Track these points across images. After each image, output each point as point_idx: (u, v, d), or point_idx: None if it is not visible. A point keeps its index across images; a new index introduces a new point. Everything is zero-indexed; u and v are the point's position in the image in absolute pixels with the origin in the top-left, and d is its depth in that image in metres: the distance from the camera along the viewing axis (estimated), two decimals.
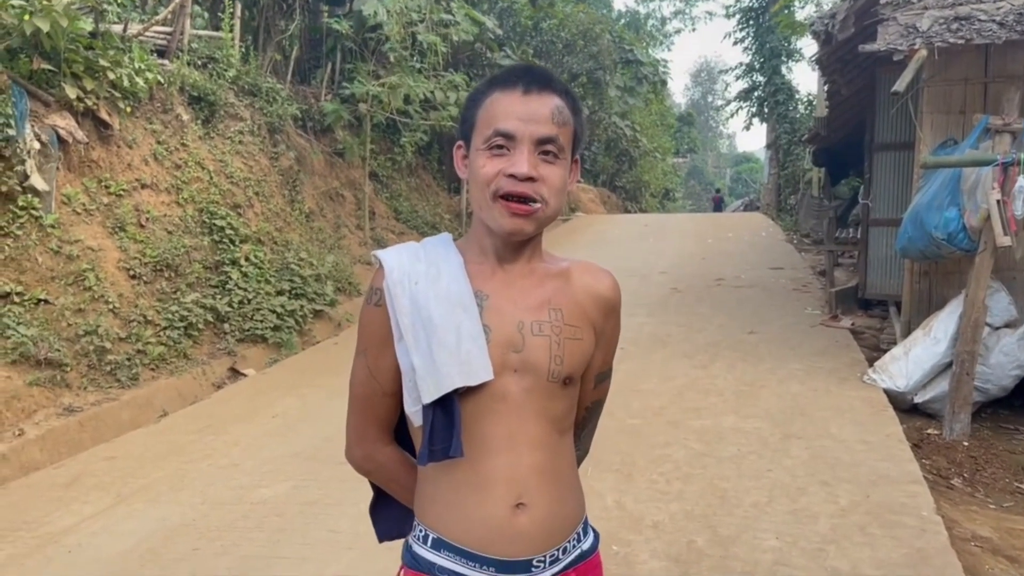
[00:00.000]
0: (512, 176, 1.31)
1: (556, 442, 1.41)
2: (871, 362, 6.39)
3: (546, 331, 1.38)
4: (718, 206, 32.32)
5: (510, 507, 1.34)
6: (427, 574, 1.37)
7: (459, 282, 1.38)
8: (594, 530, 1.52)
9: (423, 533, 1.40)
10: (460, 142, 1.44)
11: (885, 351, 6.46)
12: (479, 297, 1.37)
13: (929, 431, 5.47)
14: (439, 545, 1.37)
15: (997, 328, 5.75)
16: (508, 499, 1.34)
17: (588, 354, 1.44)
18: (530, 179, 1.31)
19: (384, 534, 1.59)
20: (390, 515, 1.55)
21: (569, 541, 1.42)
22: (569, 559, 1.41)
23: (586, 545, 1.46)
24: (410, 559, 1.41)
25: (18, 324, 5.42)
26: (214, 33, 9.55)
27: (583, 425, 1.57)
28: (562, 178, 1.36)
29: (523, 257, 1.42)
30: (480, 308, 1.36)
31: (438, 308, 1.35)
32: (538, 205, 1.33)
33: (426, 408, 1.34)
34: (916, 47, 5.76)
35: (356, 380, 1.45)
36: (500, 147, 1.33)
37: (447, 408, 1.33)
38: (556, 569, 1.39)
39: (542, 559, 1.37)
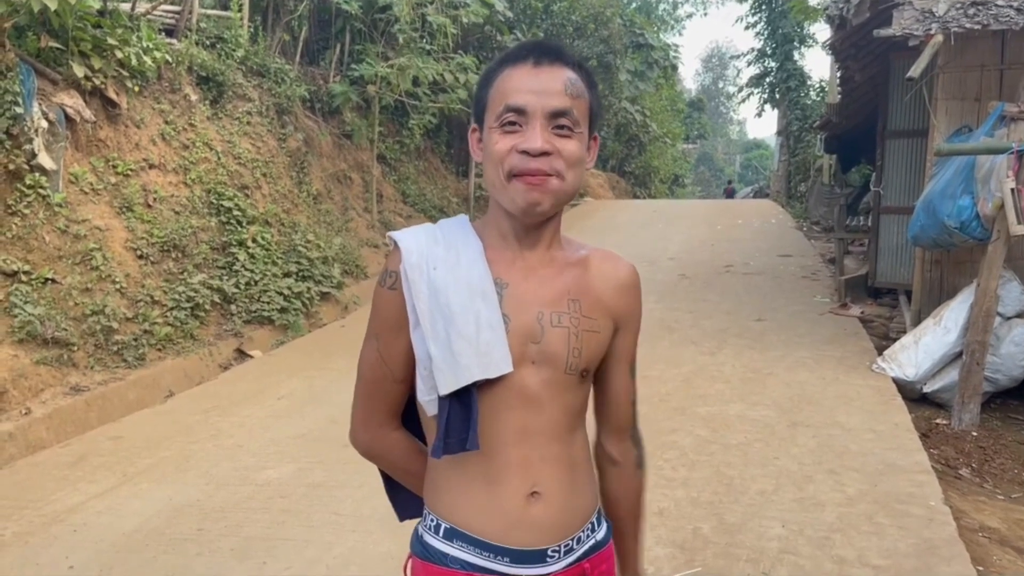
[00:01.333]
0: (525, 152, 1.26)
1: (571, 433, 1.39)
2: (880, 351, 6.35)
3: (565, 322, 1.34)
4: (730, 198, 32.21)
5: (524, 496, 1.32)
6: (439, 564, 1.34)
7: (479, 268, 1.34)
8: (607, 520, 1.50)
9: (435, 523, 1.37)
10: (475, 125, 1.39)
11: (894, 340, 6.42)
12: (499, 285, 1.33)
13: (938, 421, 5.43)
14: (452, 535, 1.34)
15: (1008, 318, 5.70)
16: (522, 489, 1.32)
17: (604, 346, 1.41)
18: (544, 154, 1.26)
19: (405, 514, 1.56)
20: (409, 494, 1.52)
21: (583, 531, 1.39)
22: (583, 549, 1.39)
23: (600, 535, 1.44)
24: (420, 549, 1.38)
25: (25, 303, 5.42)
26: (223, 13, 9.49)
27: (633, 423, 1.56)
28: (579, 152, 1.31)
29: (542, 243, 1.38)
30: (500, 297, 1.32)
31: (457, 295, 1.31)
32: (554, 181, 1.28)
33: (442, 399, 1.30)
34: (932, 32, 5.69)
35: (365, 364, 1.41)
36: (512, 123, 1.28)
37: (464, 400, 1.29)
38: (570, 559, 1.36)
39: (556, 549, 1.35)
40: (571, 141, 1.29)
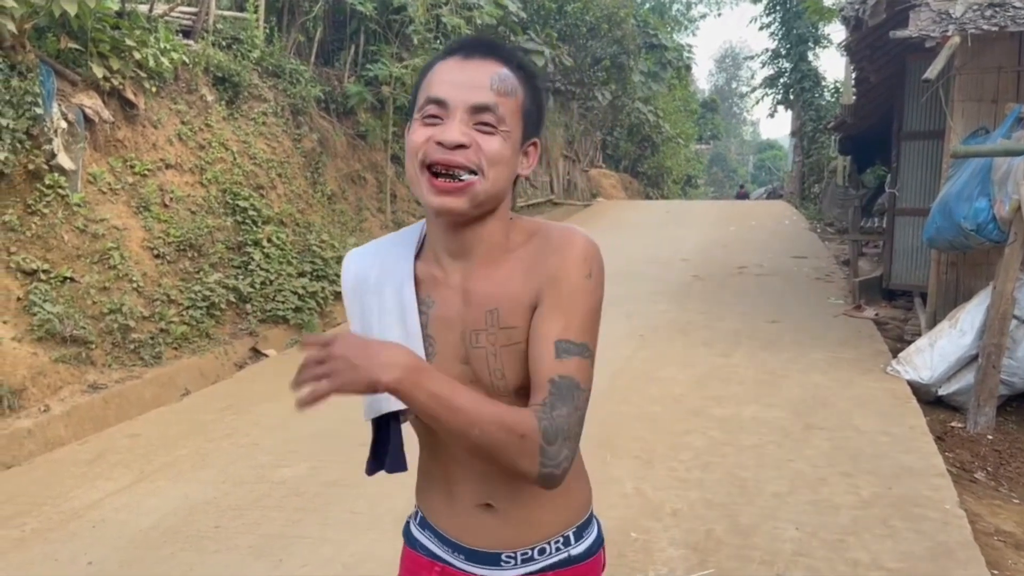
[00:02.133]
0: (440, 144, 1.18)
1: None
2: (895, 353, 6.33)
3: (482, 342, 1.24)
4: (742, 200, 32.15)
5: (476, 506, 1.33)
6: (412, 549, 1.44)
7: (402, 292, 1.28)
8: (598, 536, 1.42)
9: (416, 511, 1.47)
10: (410, 121, 1.30)
11: (909, 342, 6.40)
12: (425, 304, 1.28)
13: (953, 424, 5.41)
14: (424, 525, 1.43)
15: None
16: (474, 500, 1.33)
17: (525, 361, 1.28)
18: (461, 146, 1.17)
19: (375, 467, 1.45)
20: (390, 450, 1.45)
21: (549, 543, 1.34)
22: (548, 561, 1.34)
23: (577, 550, 1.36)
24: (406, 534, 1.48)
25: (44, 301, 5.48)
26: (239, 14, 9.55)
27: (548, 404, 1.17)
28: (502, 150, 1.20)
29: (475, 251, 1.27)
30: (426, 317, 1.28)
31: (379, 323, 1.29)
32: (472, 177, 1.18)
33: (372, 422, 1.33)
34: (949, 34, 5.66)
35: None
36: (433, 116, 1.20)
37: (388, 427, 1.31)
38: (531, 568, 1.33)
39: (512, 555, 1.33)
40: (493, 138, 1.20)
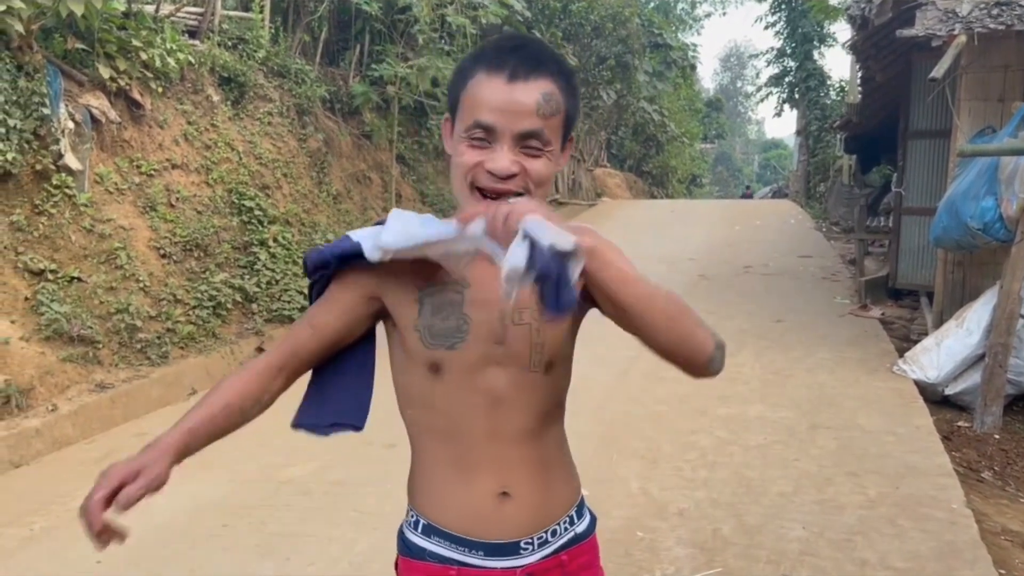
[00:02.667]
0: (491, 173, 1.23)
1: (543, 432, 1.38)
2: (901, 353, 6.32)
3: (526, 318, 1.30)
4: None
5: (494, 496, 1.33)
6: (418, 559, 1.38)
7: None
8: (591, 513, 1.49)
9: (414, 519, 1.40)
10: (448, 115, 1.35)
11: (915, 342, 6.39)
12: (460, 286, 1.31)
13: (960, 423, 5.40)
14: (429, 531, 1.37)
15: None
16: (493, 489, 1.33)
17: (568, 330, 1.36)
18: (510, 175, 1.23)
19: (302, 419, 1.49)
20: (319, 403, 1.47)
21: (560, 524, 1.40)
22: (560, 542, 1.39)
23: (580, 528, 1.43)
24: (403, 546, 1.41)
25: (52, 301, 5.50)
26: (244, 14, 9.57)
27: None
28: (547, 171, 1.26)
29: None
30: (460, 296, 1.30)
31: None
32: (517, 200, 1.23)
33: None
34: (955, 33, 5.66)
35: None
36: (480, 139, 1.24)
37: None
38: (546, 551, 1.37)
39: (530, 541, 1.36)
40: (539, 160, 1.25)
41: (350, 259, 1.31)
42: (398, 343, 1.37)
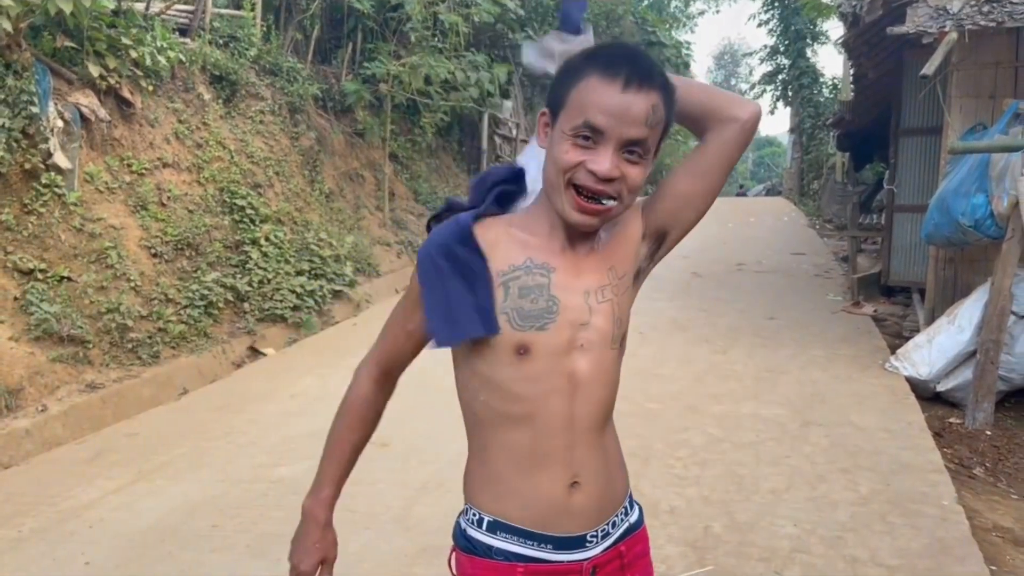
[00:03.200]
0: (592, 173, 1.28)
1: (607, 420, 1.43)
2: (893, 349, 6.32)
3: (608, 295, 1.38)
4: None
5: (566, 487, 1.36)
6: (483, 556, 1.38)
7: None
8: (638, 504, 1.55)
9: (477, 516, 1.41)
10: (545, 110, 1.38)
11: (907, 338, 6.40)
12: (545, 269, 1.35)
13: (951, 420, 5.41)
14: (495, 527, 1.38)
15: (1022, 317, 5.66)
16: (565, 479, 1.36)
17: (633, 294, 1.45)
18: (611, 179, 1.29)
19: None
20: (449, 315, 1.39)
21: (618, 515, 1.45)
22: (619, 533, 1.45)
23: (633, 518, 1.50)
24: (464, 543, 1.42)
25: (41, 301, 5.47)
26: (236, 12, 9.53)
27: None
28: (642, 176, 1.32)
29: (590, 239, 1.40)
30: (546, 280, 1.34)
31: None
32: (612, 203, 1.31)
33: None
34: (946, 29, 5.66)
35: (395, 309, 1.50)
36: (586, 138, 1.28)
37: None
38: (608, 543, 1.42)
39: (595, 534, 1.40)
40: (638, 168, 1.31)
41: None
42: None
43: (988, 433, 5.13)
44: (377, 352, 1.51)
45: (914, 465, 4.28)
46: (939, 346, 5.73)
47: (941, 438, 5.01)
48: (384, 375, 1.51)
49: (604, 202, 1.30)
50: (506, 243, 1.37)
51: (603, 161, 1.27)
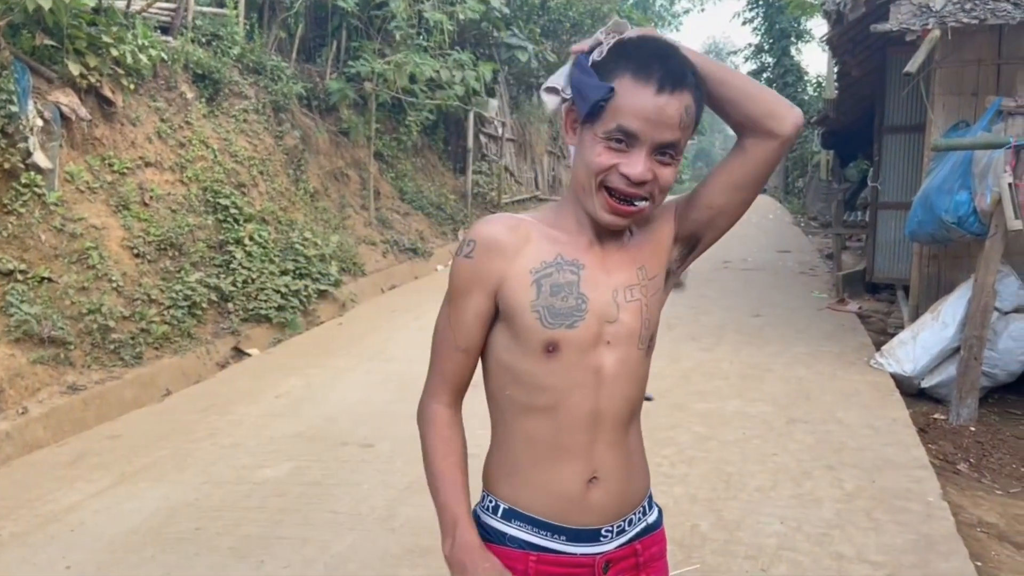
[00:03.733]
0: (626, 176, 1.29)
1: (632, 418, 1.44)
2: (878, 346, 6.35)
3: (637, 295, 1.39)
4: None
5: (584, 481, 1.37)
6: (497, 544, 1.40)
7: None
8: (658, 506, 1.56)
9: (492, 504, 1.43)
10: (572, 106, 1.36)
11: (892, 335, 6.42)
12: (575, 266, 1.36)
13: (936, 416, 5.43)
14: (511, 515, 1.40)
15: (1006, 313, 5.70)
16: (584, 474, 1.37)
17: (664, 296, 1.46)
18: (644, 181, 1.29)
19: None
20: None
21: (635, 513, 1.45)
22: (635, 531, 1.45)
23: (651, 519, 1.50)
24: (480, 529, 1.42)
25: (21, 302, 5.40)
26: (218, 10, 9.46)
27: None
28: (673, 176, 1.34)
29: (618, 236, 1.41)
30: (576, 277, 1.35)
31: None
32: (644, 204, 1.32)
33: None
34: (929, 27, 5.68)
35: (437, 330, 1.46)
36: (619, 141, 1.28)
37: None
38: (622, 540, 1.42)
39: (610, 529, 1.40)
40: (670, 169, 1.32)
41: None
42: (506, 325, 1.38)
43: (972, 429, 5.16)
44: (435, 378, 1.46)
45: (899, 461, 4.30)
46: (923, 343, 5.76)
47: (925, 434, 5.03)
48: (453, 397, 1.47)
49: (636, 203, 1.31)
50: (537, 240, 1.38)
51: (637, 164, 1.28)
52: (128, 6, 7.36)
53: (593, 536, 1.39)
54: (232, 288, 7.13)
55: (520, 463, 1.40)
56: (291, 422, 5.22)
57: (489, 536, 1.41)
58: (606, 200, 1.31)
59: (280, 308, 7.44)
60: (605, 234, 1.39)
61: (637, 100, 1.27)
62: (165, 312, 6.44)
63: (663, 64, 1.28)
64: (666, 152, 1.30)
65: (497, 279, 1.36)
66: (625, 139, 1.28)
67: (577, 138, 1.36)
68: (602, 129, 1.29)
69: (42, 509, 4.02)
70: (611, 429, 1.39)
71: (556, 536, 1.38)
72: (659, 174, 1.30)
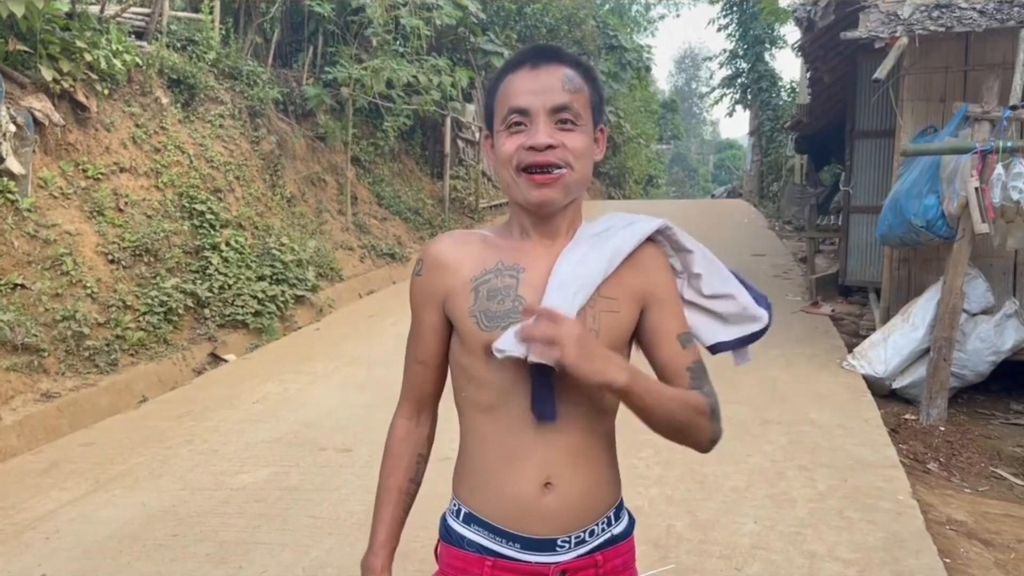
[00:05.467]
0: (532, 148, 1.33)
1: (593, 422, 1.40)
2: (850, 348, 6.44)
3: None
4: None
5: (538, 486, 1.35)
6: (457, 547, 1.41)
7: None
8: (630, 515, 1.51)
9: (456, 507, 1.44)
10: (487, 132, 1.46)
11: (864, 337, 6.52)
12: (515, 270, 1.38)
13: (906, 416, 5.53)
14: (469, 519, 1.41)
15: (974, 315, 5.81)
16: (537, 478, 1.35)
17: (625, 329, 1.42)
18: (550, 147, 1.33)
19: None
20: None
21: (598, 524, 1.41)
22: (597, 542, 1.41)
23: (618, 529, 1.45)
24: (444, 532, 1.46)
25: None
26: (193, 15, 9.42)
27: (698, 387, 1.43)
28: (584, 143, 1.36)
29: (562, 231, 1.43)
30: (516, 281, 1.37)
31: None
32: (563, 170, 1.34)
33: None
34: (897, 35, 5.78)
35: (407, 347, 1.54)
36: (518, 124, 1.35)
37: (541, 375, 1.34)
38: (582, 550, 1.39)
39: (567, 539, 1.38)
40: (574, 134, 1.35)
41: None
42: (456, 331, 1.43)
43: (942, 429, 5.25)
44: (402, 392, 1.56)
45: (870, 461, 4.37)
46: (894, 344, 5.86)
47: (896, 434, 5.12)
48: (414, 408, 1.56)
49: (553, 171, 1.33)
50: (481, 250, 1.43)
51: (537, 133, 1.33)
52: (102, 11, 7.31)
53: (548, 546, 1.37)
54: (208, 294, 7.10)
55: (476, 466, 1.41)
56: (269, 428, 5.21)
57: (451, 539, 1.43)
58: (527, 180, 1.34)
59: (257, 314, 7.42)
60: (547, 231, 1.41)
61: (516, 80, 1.37)
62: (141, 318, 6.40)
63: (533, 50, 1.41)
64: (565, 118, 1.34)
65: (443, 293, 1.43)
66: (521, 118, 1.34)
67: (493, 153, 1.42)
68: (501, 123, 1.37)
69: (16, 517, 3.98)
70: (566, 432, 1.36)
71: (510, 543, 1.37)
72: (565, 140, 1.33)
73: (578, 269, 1.37)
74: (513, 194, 1.38)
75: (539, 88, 1.34)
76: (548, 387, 1.32)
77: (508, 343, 1.28)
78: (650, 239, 1.49)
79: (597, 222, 1.48)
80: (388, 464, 1.54)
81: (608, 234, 1.44)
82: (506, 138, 1.36)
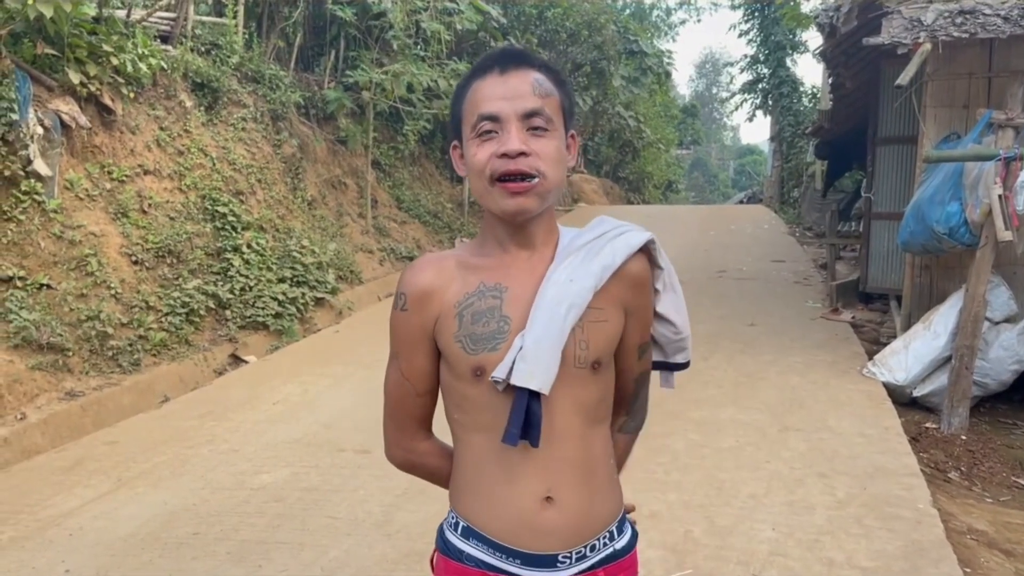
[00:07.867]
0: (504, 156, 1.30)
1: (589, 433, 1.39)
2: (871, 355, 6.40)
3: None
4: None
5: (538, 501, 1.34)
6: (456, 560, 1.40)
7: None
8: (633, 528, 1.50)
9: (455, 520, 1.42)
10: (455, 142, 1.43)
11: (885, 345, 6.47)
12: (497, 290, 1.36)
13: (927, 425, 5.48)
14: (468, 533, 1.39)
15: (997, 323, 5.75)
16: (537, 492, 1.34)
17: (614, 336, 1.41)
18: (523, 154, 1.30)
19: None
20: None
21: (599, 539, 1.40)
22: (598, 557, 1.39)
23: (620, 544, 1.43)
24: (442, 544, 1.44)
25: (20, 308, 5.44)
26: (217, 19, 9.53)
27: (635, 397, 1.56)
28: (556, 149, 1.34)
29: (537, 240, 1.40)
30: (500, 301, 1.35)
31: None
32: (536, 180, 1.31)
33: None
34: (920, 41, 5.74)
35: (389, 383, 1.49)
36: (488, 132, 1.32)
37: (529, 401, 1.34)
38: (583, 566, 1.37)
39: (568, 555, 1.36)
40: (547, 140, 1.33)
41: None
42: (443, 355, 1.41)
43: (963, 438, 5.20)
44: (408, 423, 1.51)
45: (890, 469, 4.34)
46: (915, 352, 5.81)
47: (917, 443, 5.08)
48: (427, 431, 1.53)
49: (528, 180, 1.30)
50: (461, 274, 1.40)
51: (509, 140, 1.30)
52: (128, 15, 7.41)
53: (549, 562, 1.35)
54: (230, 295, 7.16)
55: (473, 481, 1.39)
56: (289, 428, 5.25)
57: (450, 552, 1.41)
58: (501, 189, 1.31)
59: (277, 315, 7.48)
60: (523, 242, 1.39)
61: (486, 86, 1.34)
62: (163, 319, 6.48)
63: (500, 55, 1.37)
64: (537, 125, 1.31)
65: (433, 323, 1.40)
66: (492, 124, 1.31)
67: (464, 164, 1.39)
68: (472, 130, 1.34)
69: (41, 514, 4.04)
70: (564, 444, 1.35)
71: (510, 559, 1.35)
72: (537, 147, 1.31)
73: (567, 288, 1.34)
74: (487, 204, 1.35)
75: (509, 93, 1.31)
76: (535, 412, 1.31)
77: (500, 371, 1.31)
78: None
79: (586, 230, 1.46)
80: (430, 469, 1.54)
81: (598, 244, 1.42)
82: (477, 147, 1.33)
